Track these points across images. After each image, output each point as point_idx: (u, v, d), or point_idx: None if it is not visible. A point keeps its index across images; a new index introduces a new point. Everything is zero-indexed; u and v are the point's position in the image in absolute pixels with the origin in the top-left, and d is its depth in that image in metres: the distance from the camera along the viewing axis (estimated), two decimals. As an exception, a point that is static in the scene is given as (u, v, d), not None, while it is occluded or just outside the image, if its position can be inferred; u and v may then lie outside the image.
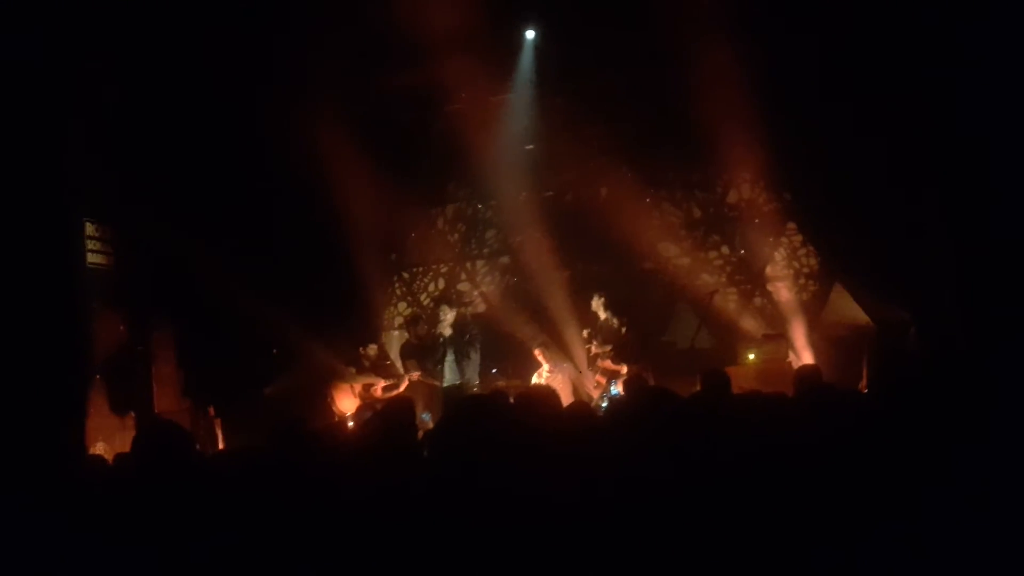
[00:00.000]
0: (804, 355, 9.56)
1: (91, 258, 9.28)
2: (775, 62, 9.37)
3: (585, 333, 9.82)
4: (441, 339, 9.35)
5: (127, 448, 4.31)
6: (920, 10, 8.32)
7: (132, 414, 9.15)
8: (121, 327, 9.42)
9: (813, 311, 10.23)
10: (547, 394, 4.09)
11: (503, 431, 3.19)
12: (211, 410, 9.38)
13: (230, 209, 10.12)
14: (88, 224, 9.27)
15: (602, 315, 9.62)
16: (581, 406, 4.17)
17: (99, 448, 8.34)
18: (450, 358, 9.30)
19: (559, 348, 10.46)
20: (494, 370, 9.74)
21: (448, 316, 9.41)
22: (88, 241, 9.26)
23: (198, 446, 8.57)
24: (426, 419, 8.60)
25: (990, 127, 7.96)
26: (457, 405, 3.77)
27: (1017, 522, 2.76)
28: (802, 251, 10.75)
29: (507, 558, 2.81)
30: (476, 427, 3.19)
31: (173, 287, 9.73)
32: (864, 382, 7.52)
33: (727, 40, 9.46)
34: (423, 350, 10.01)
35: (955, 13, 7.96)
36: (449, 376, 9.32)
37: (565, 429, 3.56)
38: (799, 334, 9.80)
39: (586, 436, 3.46)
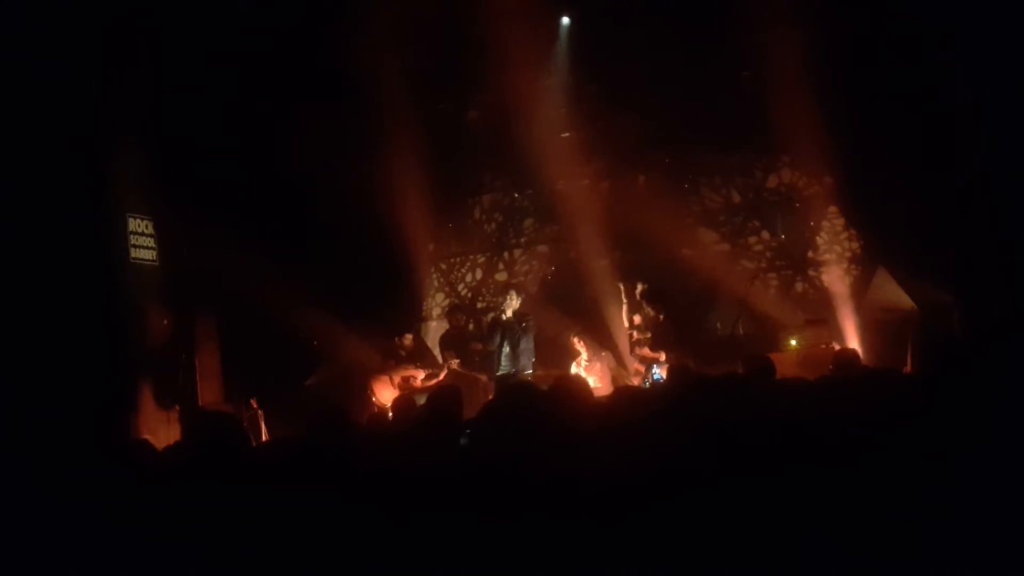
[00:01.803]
0: (847, 340, 9.43)
1: (134, 253, 9.38)
2: (814, 44, 9.24)
3: (626, 311, 9.73)
4: (498, 326, 9.33)
5: (172, 442, 4.37)
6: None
7: (176, 408, 9.26)
8: (165, 321, 9.54)
9: (856, 295, 10.09)
10: (577, 385, 4.07)
11: (534, 422, 3.20)
12: (254, 402, 9.46)
13: (271, 203, 10.20)
14: (131, 220, 9.38)
15: (641, 300, 9.58)
16: (619, 395, 4.14)
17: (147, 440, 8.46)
18: (506, 346, 9.28)
19: (598, 336, 10.43)
20: (532, 359, 9.73)
21: (514, 302, 9.40)
22: (131, 236, 9.37)
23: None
24: None
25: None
26: (496, 395, 3.79)
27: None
28: (844, 235, 10.61)
29: (537, 545, 2.81)
30: (510, 417, 3.20)
31: (216, 281, 9.83)
32: (908, 366, 7.41)
33: (765, 24, 9.37)
34: (462, 340, 10.04)
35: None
36: (505, 364, 9.30)
37: (593, 421, 3.55)
38: (842, 319, 9.67)
39: (620, 426, 3.45)
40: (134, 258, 9.35)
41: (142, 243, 9.45)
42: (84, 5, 8.49)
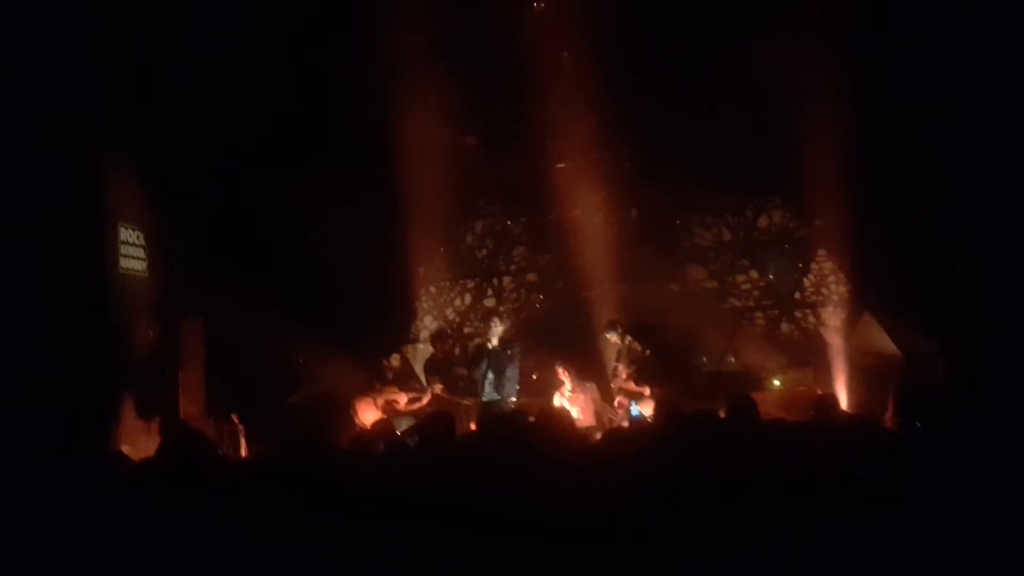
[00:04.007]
0: (830, 383, 9.47)
1: (124, 263, 9.36)
2: (808, 89, 9.35)
3: (617, 343, 9.72)
4: (484, 352, 9.35)
5: (150, 452, 4.36)
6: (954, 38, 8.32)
7: (157, 419, 9.21)
8: (151, 332, 9.50)
9: (841, 339, 10.15)
10: (560, 419, 4.09)
11: (518, 454, 3.21)
12: (235, 417, 9.42)
13: (264, 219, 10.20)
14: (123, 229, 9.36)
15: (621, 340, 9.58)
16: (605, 435, 4.16)
17: (124, 451, 8.39)
18: (490, 373, 9.30)
19: (584, 367, 10.43)
20: (517, 387, 9.74)
21: (498, 329, 9.41)
22: (122, 246, 9.35)
23: (221, 453, 8.66)
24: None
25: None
26: (479, 424, 3.80)
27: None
28: (832, 278, 10.70)
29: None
30: (493, 450, 3.22)
31: (205, 294, 9.81)
32: (890, 413, 7.44)
33: (763, 67, 9.47)
34: (447, 365, 10.04)
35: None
36: (488, 391, 9.31)
37: (578, 457, 3.57)
38: (826, 362, 9.72)
39: (606, 463, 3.46)
40: (124, 268, 9.32)
41: (132, 253, 9.41)
42: (81, 10, 8.50)
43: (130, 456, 6.78)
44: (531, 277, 12.15)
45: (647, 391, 9.16)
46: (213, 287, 9.55)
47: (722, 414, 5.33)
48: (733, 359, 10.59)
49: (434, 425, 4.21)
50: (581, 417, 9.15)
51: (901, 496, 3.06)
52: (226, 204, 9.94)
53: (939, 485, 3.11)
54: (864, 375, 9.33)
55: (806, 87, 9.30)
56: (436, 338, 10.64)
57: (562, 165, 11.38)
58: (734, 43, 9.96)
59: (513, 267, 12.27)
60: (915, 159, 8.88)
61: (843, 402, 8.64)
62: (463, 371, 9.89)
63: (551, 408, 8.49)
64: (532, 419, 4.37)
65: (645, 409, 8.85)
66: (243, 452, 9.21)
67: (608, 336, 9.71)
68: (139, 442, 8.77)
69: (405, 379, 10.09)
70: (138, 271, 9.48)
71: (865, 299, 10.22)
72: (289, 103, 10.21)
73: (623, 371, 9.44)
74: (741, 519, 2.95)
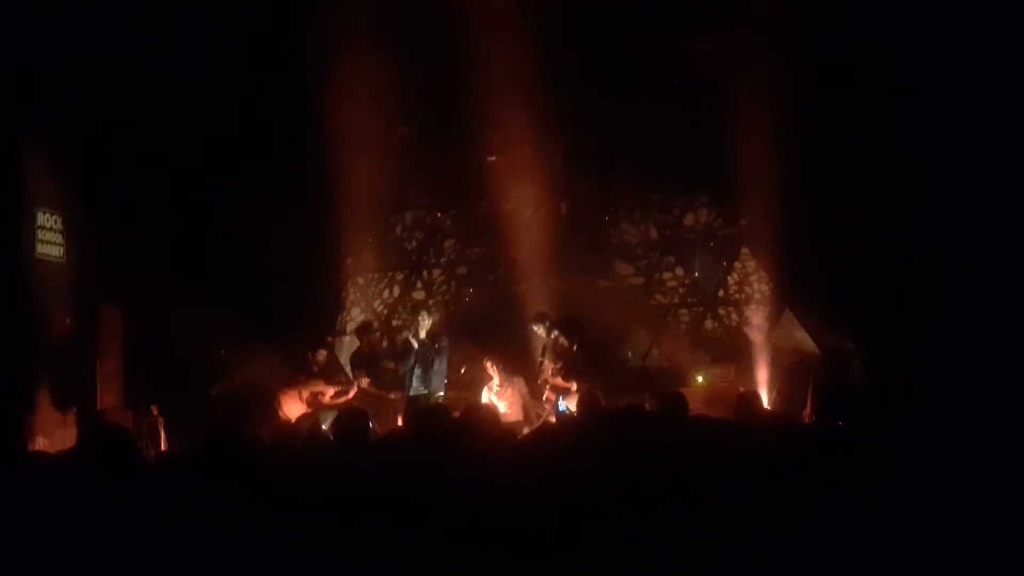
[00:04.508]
0: (753, 380, 9.66)
1: (41, 248, 9.10)
2: (736, 88, 9.51)
3: (543, 337, 9.77)
4: (412, 346, 9.33)
5: (67, 444, 4.25)
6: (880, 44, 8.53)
7: (74, 411, 8.97)
8: (68, 320, 9.25)
9: (763, 337, 10.36)
10: (487, 415, 4.10)
11: (443, 450, 3.21)
12: (154, 409, 9.21)
13: (186, 206, 10.00)
14: (40, 214, 9.09)
15: (548, 334, 9.60)
16: (534, 434, 4.19)
17: (39, 444, 8.16)
18: (418, 367, 9.28)
19: (512, 362, 10.45)
20: (445, 381, 9.72)
21: (426, 322, 9.40)
22: (39, 231, 9.09)
23: (140, 446, 8.48)
24: None
25: (948, 167, 8.19)
26: (406, 421, 3.79)
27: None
28: (755, 276, 10.91)
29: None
30: (419, 446, 3.21)
31: (125, 282, 9.58)
32: (808, 410, 7.64)
33: (692, 65, 9.60)
34: (374, 358, 9.97)
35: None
36: (416, 385, 9.28)
37: (503, 452, 3.58)
38: (748, 359, 9.91)
39: (531, 460, 3.47)
40: (40, 253, 9.07)
41: (49, 238, 9.17)
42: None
43: (45, 450, 6.61)
44: (461, 270, 12.12)
45: (574, 386, 9.19)
46: (133, 274, 9.34)
47: (648, 408, 5.42)
48: (658, 355, 10.73)
49: (347, 423, 4.17)
50: (508, 412, 9.17)
51: (819, 490, 3.13)
52: (149, 190, 9.73)
53: (856, 479, 3.19)
54: (784, 372, 9.55)
55: (735, 87, 9.46)
56: (363, 330, 10.54)
57: (494, 158, 11.38)
58: (667, 41, 10.09)
59: (443, 260, 12.22)
60: (840, 161, 9.10)
61: (764, 399, 8.83)
62: (390, 364, 9.83)
63: (478, 403, 8.51)
64: (458, 414, 4.38)
65: (572, 404, 8.90)
66: (163, 445, 9.02)
67: (535, 329, 9.73)
68: (55, 434, 8.54)
69: (331, 372, 10.00)
70: (55, 257, 9.24)
71: (787, 298, 10.44)
72: (215, 90, 10.02)
73: (549, 366, 9.47)
74: (665, 514, 2.98)
